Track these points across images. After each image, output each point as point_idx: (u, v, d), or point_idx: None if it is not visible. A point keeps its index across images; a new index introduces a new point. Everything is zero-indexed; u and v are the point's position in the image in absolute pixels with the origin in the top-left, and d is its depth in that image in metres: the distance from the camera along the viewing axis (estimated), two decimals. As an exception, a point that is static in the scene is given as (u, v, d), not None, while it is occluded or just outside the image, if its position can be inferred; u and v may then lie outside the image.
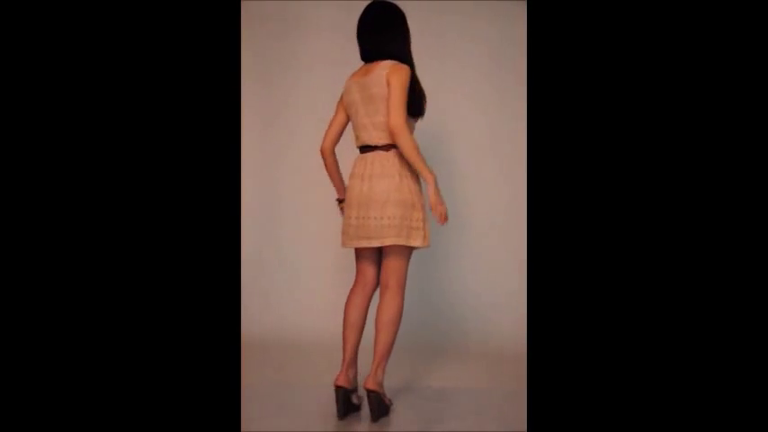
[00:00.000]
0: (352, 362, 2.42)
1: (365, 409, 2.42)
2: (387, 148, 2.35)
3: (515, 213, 3.56)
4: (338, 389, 2.34)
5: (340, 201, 2.60)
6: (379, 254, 2.45)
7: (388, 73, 2.28)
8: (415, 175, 2.37)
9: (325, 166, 2.55)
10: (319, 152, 2.53)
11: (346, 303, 2.45)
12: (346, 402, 2.37)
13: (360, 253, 2.47)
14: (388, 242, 2.31)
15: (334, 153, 2.53)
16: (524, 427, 2.12)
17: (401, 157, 2.33)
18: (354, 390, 2.44)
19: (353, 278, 2.50)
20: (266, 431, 2.20)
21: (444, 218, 2.28)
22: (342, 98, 2.48)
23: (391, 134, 2.26)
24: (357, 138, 2.43)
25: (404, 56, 2.38)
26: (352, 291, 2.46)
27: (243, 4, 2.43)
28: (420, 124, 2.47)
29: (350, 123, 2.49)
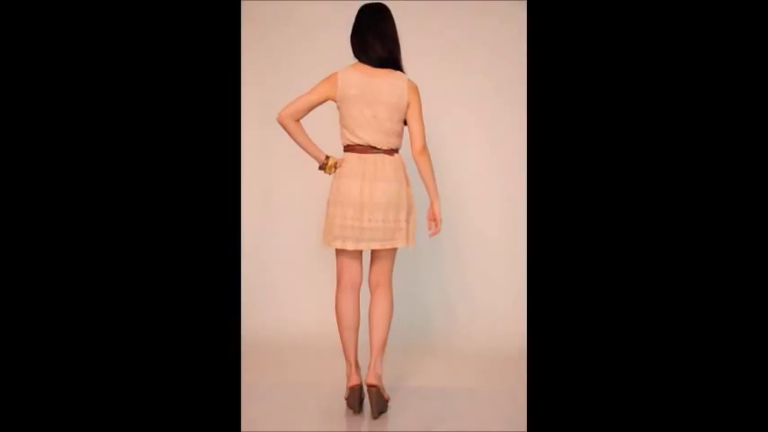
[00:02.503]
0: (357, 361, 2.45)
1: (365, 408, 2.43)
2: (391, 152, 2.38)
3: (516, 213, 3.55)
4: (355, 388, 2.39)
5: (323, 166, 2.41)
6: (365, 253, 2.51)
7: (408, 91, 2.34)
8: (408, 180, 2.45)
9: (289, 133, 2.37)
10: (276, 121, 2.37)
11: (340, 306, 2.44)
12: (361, 399, 2.42)
13: (347, 253, 2.43)
14: (398, 244, 2.39)
15: (296, 122, 2.36)
16: (524, 427, 2.12)
17: (401, 162, 2.41)
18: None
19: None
20: (266, 431, 2.21)
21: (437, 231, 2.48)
22: (331, 84, 2.35)
23: (418, 156, 2.37)
24: (351, 134, 2.35)
25: (401, 64, 2.41)
26: (342, 292, 2.45)
27: (243, 4, 2.43)
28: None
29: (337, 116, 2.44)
